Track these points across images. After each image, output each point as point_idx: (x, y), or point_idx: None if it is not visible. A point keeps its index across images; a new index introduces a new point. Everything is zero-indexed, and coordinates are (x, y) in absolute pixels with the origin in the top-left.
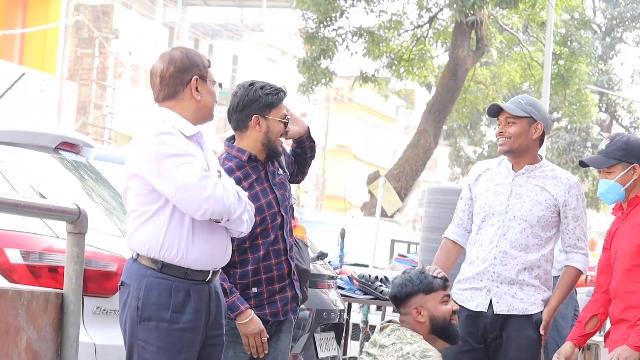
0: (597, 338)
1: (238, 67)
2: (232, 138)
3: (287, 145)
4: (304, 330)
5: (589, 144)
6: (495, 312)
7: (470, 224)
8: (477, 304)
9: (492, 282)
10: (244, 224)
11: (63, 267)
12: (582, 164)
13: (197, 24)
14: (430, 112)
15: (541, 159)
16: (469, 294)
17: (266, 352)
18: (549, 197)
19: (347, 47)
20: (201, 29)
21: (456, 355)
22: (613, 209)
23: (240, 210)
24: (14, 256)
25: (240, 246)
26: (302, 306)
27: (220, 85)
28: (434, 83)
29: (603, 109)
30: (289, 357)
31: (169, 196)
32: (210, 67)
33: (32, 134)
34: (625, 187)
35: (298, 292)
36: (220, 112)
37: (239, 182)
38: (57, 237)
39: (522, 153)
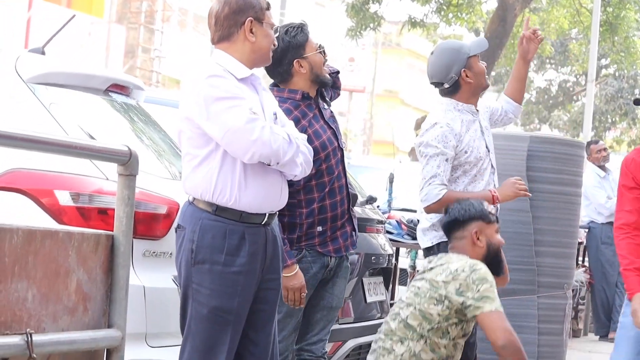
0: None
1: (286, 12)
2: (275, 84)
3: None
4: (352, 275)
5: (636, 91)
6: None
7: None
8: None
9: None
10: (298, 167)
11: (113, 209)
12: (637, 102)
13: None
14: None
15: None
16: None
17: (302, 306)
18: None
19: None
20: None
21: None
22: None
23: (291, 153)
24: (64, 198)
25: (307, 184)
26: (351, 250)
27: (278, 29)
28: (483, 29)
29: None
30: (343, 302)
31: (218, 139)
32: (270, 10)
33: (82, 75)
34: None
35: (355, 226)
36: None
37: (297, 121)
38: (107, 179)
39: None
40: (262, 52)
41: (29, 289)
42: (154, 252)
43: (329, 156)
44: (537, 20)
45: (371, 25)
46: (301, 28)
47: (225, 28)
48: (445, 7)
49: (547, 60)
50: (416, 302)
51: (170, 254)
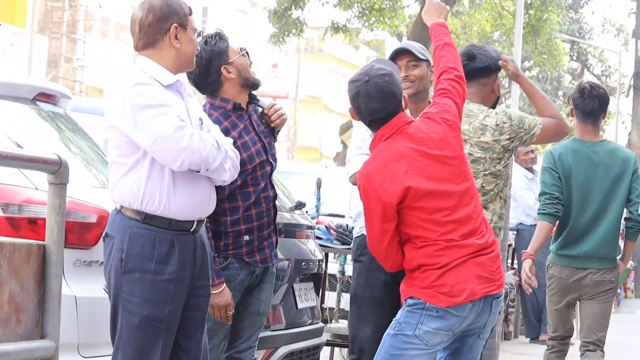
0: None
1: (208, 19)
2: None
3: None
4: (282, 281)
5: (560, 92)
6: None
7: None
8: None
9: None
10: (226, 172)
11: (43, 219)
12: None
13: None
14: None
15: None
16: None
17: (230, 322)
18: None
19: None
20: None
21: (382, 296)
22: None
23: (220, 159)
24: None
25: (232, 193)
26: (281, 256)
27: (200, 34)
28: (405, 33)
29: (574, 58)
30: (270, 308)
31: (146, 148)
32: (192, 15)
33: (8, 84)
34: None
35: (277, 238)
36: None
37: (227, 132)
38: (37, 188)
39: (423, 97)
40: (186, 57)
41: None
42: (85, 262)
43: (255, 169)
44: (459, 23)
45: (293, 31)
46: (219, 36)
47: (150, 35)
48: (367, 12)
49: None
50: (479, 169)
51: (101, 263)
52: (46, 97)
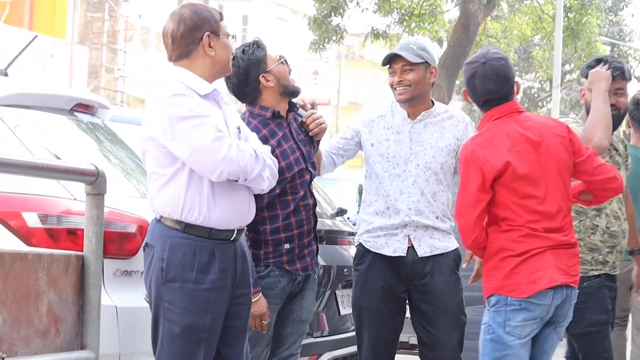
0: None
1: (248, 27)
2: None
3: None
4: (325, 288)
5: None
6: (419, 256)
7: (338, 159)
8: (394, 249)
9: (411, 229)
10: (265, 181)
11: (82, 229)
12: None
13: None
14: (443, 67)
15: (433, 103)
16: (383, 240)
17: (265, 332)
18: (450, 142)
19: (357, 3)
20: None
21: (379, 305)
22: None
23: (259, 168)
24: (32, 220)
25: (270, 202)
26: (323, 262)
27: (234, 37)
28: (446, 38)
29: None
30: (312, 315)
31: (184, 159)
32: (223, 20)
33: (46, 96)
34: None
35: (317, 245)
36: None
37: (265, 140)
38: (75, 199)
39: (420, 100)
40: (222, 64)
41: None
42: (125, 271)
43: (294, 177)
44: (500, 27)
45: (334, 38)
46: (256, 44)
47: (184, 46)
48: (407, 18)
49: None
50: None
51: (141, 272)
52: (84, 107)
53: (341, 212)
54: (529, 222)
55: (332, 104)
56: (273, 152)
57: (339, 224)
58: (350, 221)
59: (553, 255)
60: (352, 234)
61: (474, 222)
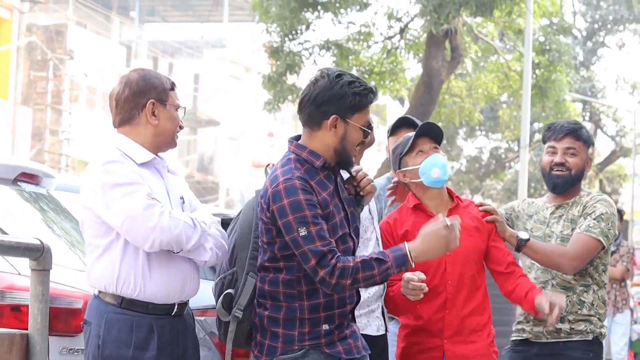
0: None
1: (200, 86)
2: (298, 137)
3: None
4: None
5: None
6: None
7: None
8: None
9: None
10: (207, 252)
11: (26, 305)
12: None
13: (156, 42)
14: None
15: None
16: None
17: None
18: None
19: (314, 61)
20: (160, 46)
21: None
22: None
23: (196, 238)
24: None
25: (308, 274)
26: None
27: (184, 109)
28: (407, 97)
29: (587, 118)
30: None
31: (117, 228)
32: (175, 90)
33: None
34: None
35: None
36: (181, 134)
37: (311, 193)
38: (19, 274)
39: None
40: (165, 135)
41: None
42: (71, 350)
43: (337, 244)
44: (465, 86)
45: (289, 97)
46: (369, 92)
47: (126, 111)
48: (367, 76)
49: (477, 128)
50: None
51: None
52: (28, 177)
53: None
54: None
55: None
56: (326, 208)
57: None
58: None
59: None
60: None
61: None
